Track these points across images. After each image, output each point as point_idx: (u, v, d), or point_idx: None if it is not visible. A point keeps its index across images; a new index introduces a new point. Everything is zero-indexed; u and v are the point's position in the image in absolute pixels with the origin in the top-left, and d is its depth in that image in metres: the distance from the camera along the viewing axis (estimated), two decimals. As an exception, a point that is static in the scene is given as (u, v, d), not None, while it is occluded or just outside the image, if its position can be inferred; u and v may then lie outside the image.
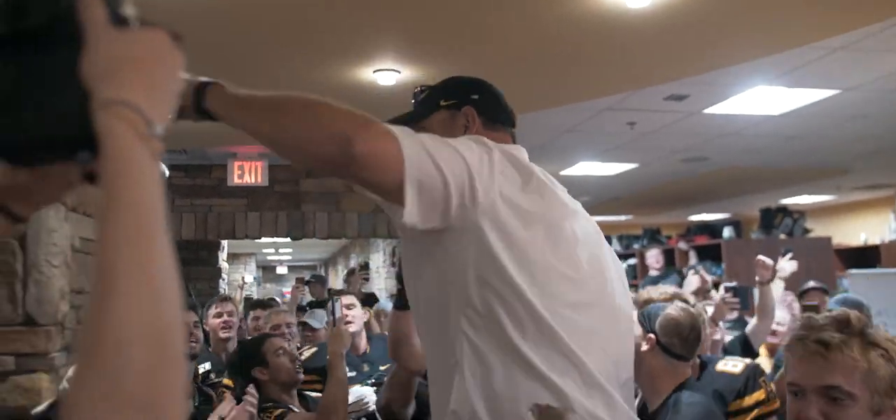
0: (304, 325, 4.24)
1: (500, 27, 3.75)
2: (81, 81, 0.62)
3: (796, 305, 4.29)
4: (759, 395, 2.50)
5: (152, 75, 0.63)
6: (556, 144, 6.59)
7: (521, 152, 1.51)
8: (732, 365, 2.60)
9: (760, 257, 3.76)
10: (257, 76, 4.43)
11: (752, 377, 2.54)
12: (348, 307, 3.50)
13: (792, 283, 4.49)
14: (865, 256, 9.66)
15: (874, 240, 10.43)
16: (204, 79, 1.24)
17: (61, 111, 0.64)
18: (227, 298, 4.45)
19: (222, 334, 4.05)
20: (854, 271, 5.87)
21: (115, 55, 0.62)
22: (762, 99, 5.27)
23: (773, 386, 2.61)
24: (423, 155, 1.23)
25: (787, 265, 4.17)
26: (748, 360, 2.71)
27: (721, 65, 4.43)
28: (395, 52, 4.14)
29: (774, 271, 3.71)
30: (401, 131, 1.24)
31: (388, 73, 4.40)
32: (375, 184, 1.26)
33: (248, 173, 6.51)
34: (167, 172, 5.10)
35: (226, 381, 3.32)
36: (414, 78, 4.46)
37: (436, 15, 3.60)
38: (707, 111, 5.57)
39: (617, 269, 1.54)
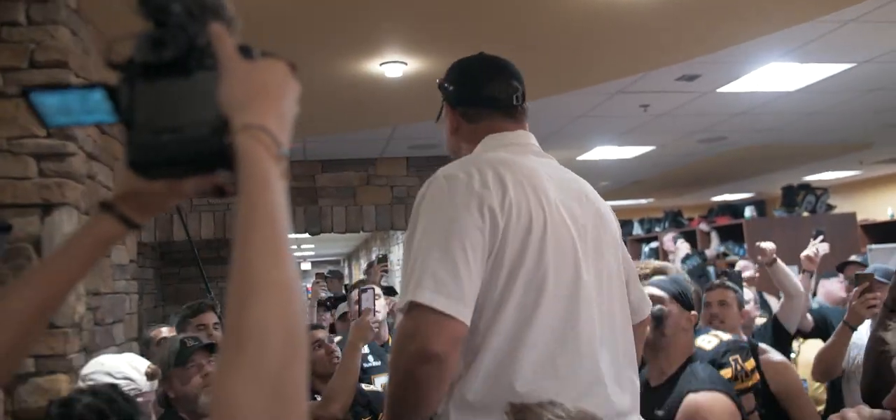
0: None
1: (507, 13, 3.75)
2: (214, 106, 0.70)
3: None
4: (725, 373, 2.46)
5: (279, 103, 0.71)
6: (570, 129, 6.58)
7: (508, 147, 1.55)
8: (707, 342, 2.60)
9: (758, 244, 3.71)
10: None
11: (724, 354, 2.54)
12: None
13: (822, 265, 4.35)
14: (892, 231, 9.50)
15: (901, 214, 10.26)
16: None
17: (198, 132, 0.73)
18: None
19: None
20: (874, 246, 5.76)
21: (250, 85, 0.70)
22: (775, 76, 5.21)
23: (750, 363, 2.58)
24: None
25: (820, 247, 4.02)
26: (726, 337, 2.67)
27: (729, 43, 4.39)
28: (401, 43, 4.17)
29: (772, 256, 3.61)
30: (438, 298, 1.32)
31: (395, 65, 4.43)
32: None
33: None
34: None
35: None
36: (421, 69, 4.49)
37: (441, 4, 3.61)
38: (720, 90, 5.52)
39: (602, 250, 1.55)
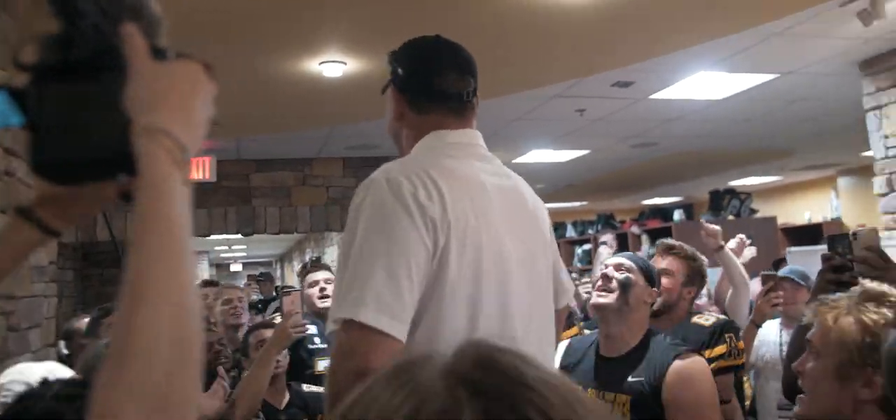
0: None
1: (447, 16, 3.74)
2: (122, 108, 0.68)
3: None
4: (720, 349, 2.62)
5: (188, 105, 0.69)
6: (507, 132, 6.62)
7: (449, 147, 1.50)
8: (704, 319, 2.74)
9: (704, 223, 3.70)
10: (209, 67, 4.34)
11: (719, 332, 2.66)
12: (326, 282, 3.59)
13: (750, 267, 4.46)
14: (809, 234, 9.91)
15: (817, 218, 10.72)
16: None
17: (103, 136, 0.71)
18: (234, 286, 4.38)
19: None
20: (794, 249, 6.04)
21: (157, 86, 0.68)
22: (704, 84, 5.37)
23: (741, 343, 2.73)
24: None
25: (747, 251, 4.12)
26: (722, 316, 2.85)
27: (661, 52, 4.49)
28: (341, 43, 4.11)
29: (719, 239, 3.61)
30: (380, 318, 1.27)
31: (334, 65, 4.36)
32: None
33: (194, 169, 6.37)
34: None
35: None
36: (360, 69, 4.44)
37: (382, 5, 3.58)
38: (653, 97, 5.65)
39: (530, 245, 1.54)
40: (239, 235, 7.15)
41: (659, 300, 2.51)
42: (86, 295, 7.34)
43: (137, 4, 0.75)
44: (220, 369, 2.85)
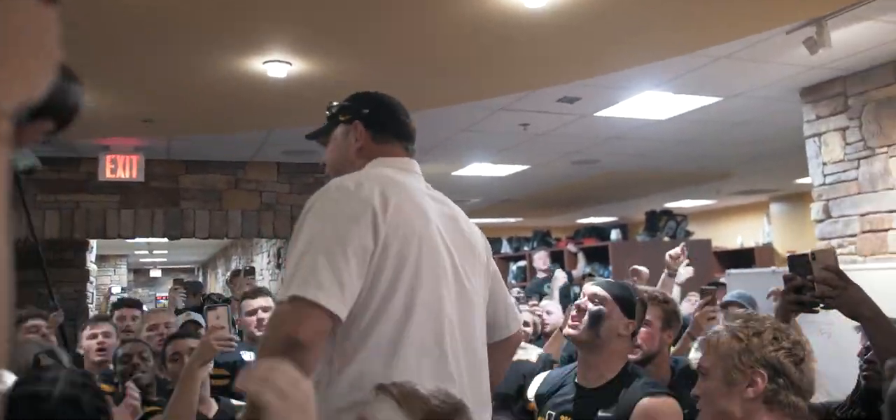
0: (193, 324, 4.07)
1: (395, 22, 3.61)
2: None
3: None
4: None
5: (5, 48, 0.58)
6: (448, 144, 6.50)
7: (396, 169, 1.69)
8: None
9: (673, 251, 3.74)
10: (142, 64, 4.10)
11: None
12: (264, 310, 3.58)
13: (687, 287, 4.51)
14: (742, 258, 10.13)
15: (749, 242, 10.97)
16: None
17: None
18: (104, 318, 4.05)
19: (96, 357, 3.66)
20: (733, 271, 6.12)
21: None
22: (650, 104, 5.37)
23: None
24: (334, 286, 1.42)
25: (683, 271, 4.17)
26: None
27: (610, 69, 4.46)
28: (286, 42, 3.92)
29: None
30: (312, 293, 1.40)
31: (278, 65, 4.16)
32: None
33: (121, 168, 6.04)
34: (37, 160, 4.67)
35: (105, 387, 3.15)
36: (305, 70, 4.25)
37: (329, 6, 3.41)
38: (597, 114, 5.63)
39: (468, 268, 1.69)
40: (163, 239, 6.81)
41: (639, 352, 2.44)
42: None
43: None
44: (130, 384, 2.72)
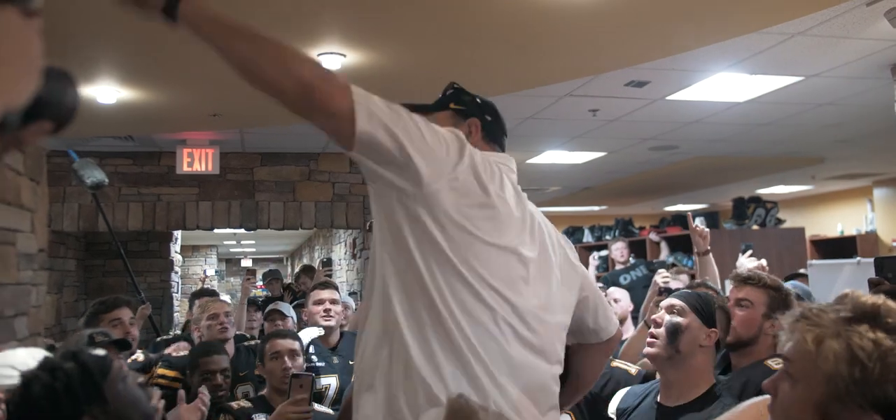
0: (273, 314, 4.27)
1: (451, 10, 3.56)
2: None
3: None
4: None
5: None
6: (519, 131, 6.40)
7: (507, 163, 1.66)
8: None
9: (696, 225, 3.53)
10: (206, 58, 4.19)
11: None
12: (332, 302, 3.63)
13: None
14: (842, 247, 9.53)
15: (850, 230, 10.32)
16: None
17: None
18: (220, 300, 4.20)
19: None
20: (815, 262, 5.77)
21: None
22: (725, 86, 5.11)
23: None
24: (376, 117, 1.34)
25: (745, 262, 3.94)
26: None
27: (675, 51, 4.26)
28: (340, 34, 3.94)
29: (707, 244, 3.50)
30: (358, 92, 1.35)
31: (333, 57, 4.19)
32: (331, 125, 1.37)
33: (198, 161, 6.26)
34: (105, 177, 4.92)
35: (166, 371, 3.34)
36: (360, 62, 4.26)
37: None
38: (669, 98, 5.40)
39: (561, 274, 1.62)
40: (239, 230, 7.02)
41: (732, 334, 2.27)
42: (87, 285, 7.27)
43: None
44: (203, 388, 2.74)
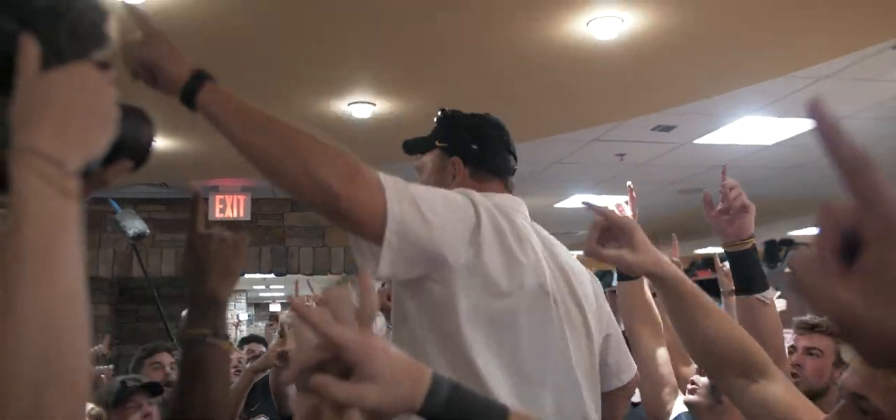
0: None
1: (476, 60, 3.64)
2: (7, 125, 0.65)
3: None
4: None
5: (66, 115, 0.66)
6: (545, 176, 6.44)
7: (507, 202, 1.50)
8: None
9: (722, 265, 3.44)
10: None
11: None
12: None
13: (790, 318, 4.17)
14: (875, 289, 9.34)
15: (884, 272, 10.12)
16: (201, 69, 1.23)
17: None
18: (257, 338, 4.31)
19: None
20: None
21: (32, 100, 0.66)
22: (752, 129, 5.12)
23: None
24: (410, 212, 1.21)
25: (777, 302, 3.88)
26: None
27: (695, 97, 4.29)
28: (370, 85, 4.05)
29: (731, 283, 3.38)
30: (391, 186, 1.21)
31: (363, 106, 4.29)
32: (358, 233, 1.26)
33: (229, 207, 6.38)
34: (146, 227, 5.07)
35: None
36: (389, 111, 4.36)
37: (412, 49, 3.50)
38: (697, 141, 5.41)
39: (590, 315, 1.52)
40: (270, 275, 7.09)
41: (804, 383, 2.17)
42: (121, 330, 7.38)
43: (54, 7, 0.71)
44: None
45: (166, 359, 3.51)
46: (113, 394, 2.47)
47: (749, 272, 1.77)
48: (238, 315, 13.07)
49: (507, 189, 1.59)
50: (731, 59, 3.71)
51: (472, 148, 1.57)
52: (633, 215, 1.99)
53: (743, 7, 3.11)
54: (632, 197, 2.02)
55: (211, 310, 1.11)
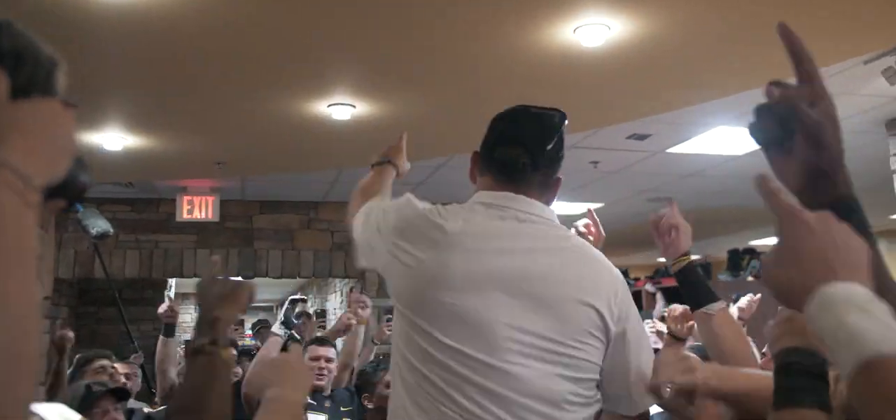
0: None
1: (452, 65, 3.62)
2: None
3: None
4: None
5: (35, 138, 0.75)
6: (518, 183, 6.44)
7: (481, 197, 1.57)
8: None
9: (670, 311, 3.30)
10: (214, 107, 4.25)
11: None
12: (327, 360, 3.62)
13: (755, 324, 4.22)
14: (834, 299, 9.52)
15: (843, 282, 10.35)
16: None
17: None
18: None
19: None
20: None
21: (4, 122, 0.74)
22: (725, 139, 5.18)
23: None
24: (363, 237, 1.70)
25: (734, 310, 3.90)
26: None
27: (676, 106, 4.33)
28: (350, 86, 3.99)
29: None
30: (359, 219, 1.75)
31: (343, 108, 4.23)
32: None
33: (198, 208, 6.24)
34: (110, 227, 4.94)
35: None
36: (369, 113, 4.30)
37: (392, 51, 3.46)
38: (670, 150, 5.46)
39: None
40: (238, 278, 6.96)
41: None
42: (80, 333, 7.14)
43: (20, 48, 0.80)
44: None
45: (107, 363, 3.44)
46: (78, 399, 2.42)
47: (690, 289, 1.79)
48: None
49: (512, 181, 1.55)
50: (715, 69, 3.74)
51: (487, 144, 1.64)
52: (597, 238, 2.12)
53: (729, 19, 3.14)
54: (592, 219, 2.14)
55: (213, 327, 1.27)
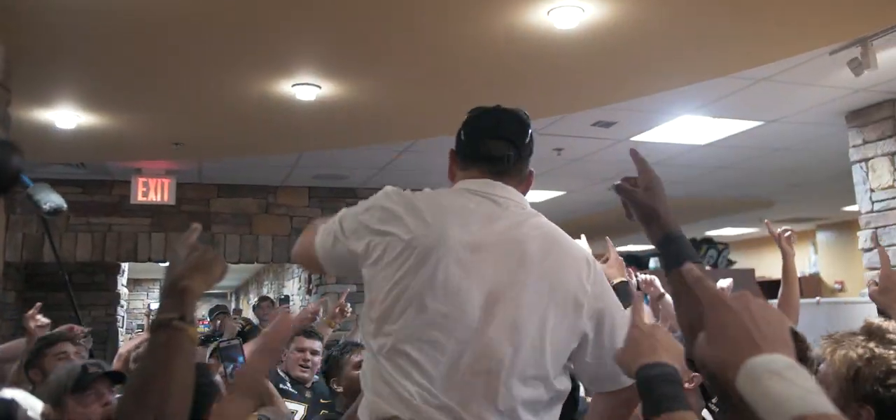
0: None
1: (421, 42, 3.53)
2: None
3: None
4: None
5: None
6: (481, 169, 6.40)
7: (468, 184, 1.63)
8: None
9: (643, 276, 3.50)
10: (172, 86, 4.10)
11: None
12: (312, 352, 3.61)
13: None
14: (787, 289, 9.76)
15: (794, 273, 10.60)
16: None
17: None
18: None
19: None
20: (773, 302, 5.85)
21: None
22: (688, 128, 5.21)
23: None
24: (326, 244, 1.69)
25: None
26: None
27: (645, 92, 4.31)
28: (315, 66, 3.87)
29: (659, 289, 3.44)
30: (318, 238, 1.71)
31: (307, 88, 4.11)
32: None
33: (153, 191, 6.05)
34: (64, 203, 4.76)
35: None
36: (334, 93, 4.20)
37: (360, 28, 3.36)
38: (635, 138, 5.47)
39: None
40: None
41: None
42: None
43: None
44: None
45: (71, 349, 3.31)
46: (73, 379, 2.35)
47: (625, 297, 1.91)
48: (150, 305, 12.57)
49: (498, 173, 1.64)
50: (675, 57, 3.74)
51: (461, 138, 1.70)
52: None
53: (702, 4, 3.12)
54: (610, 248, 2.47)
55: (182, 299, 1.18)
